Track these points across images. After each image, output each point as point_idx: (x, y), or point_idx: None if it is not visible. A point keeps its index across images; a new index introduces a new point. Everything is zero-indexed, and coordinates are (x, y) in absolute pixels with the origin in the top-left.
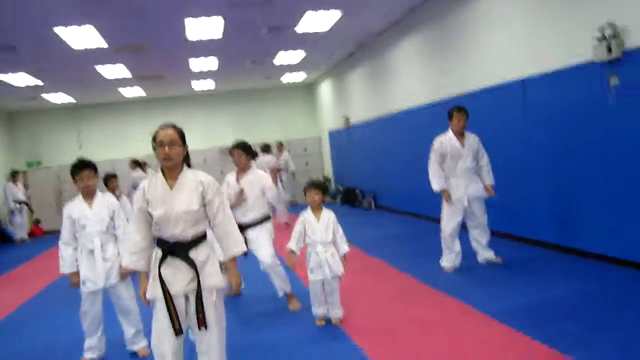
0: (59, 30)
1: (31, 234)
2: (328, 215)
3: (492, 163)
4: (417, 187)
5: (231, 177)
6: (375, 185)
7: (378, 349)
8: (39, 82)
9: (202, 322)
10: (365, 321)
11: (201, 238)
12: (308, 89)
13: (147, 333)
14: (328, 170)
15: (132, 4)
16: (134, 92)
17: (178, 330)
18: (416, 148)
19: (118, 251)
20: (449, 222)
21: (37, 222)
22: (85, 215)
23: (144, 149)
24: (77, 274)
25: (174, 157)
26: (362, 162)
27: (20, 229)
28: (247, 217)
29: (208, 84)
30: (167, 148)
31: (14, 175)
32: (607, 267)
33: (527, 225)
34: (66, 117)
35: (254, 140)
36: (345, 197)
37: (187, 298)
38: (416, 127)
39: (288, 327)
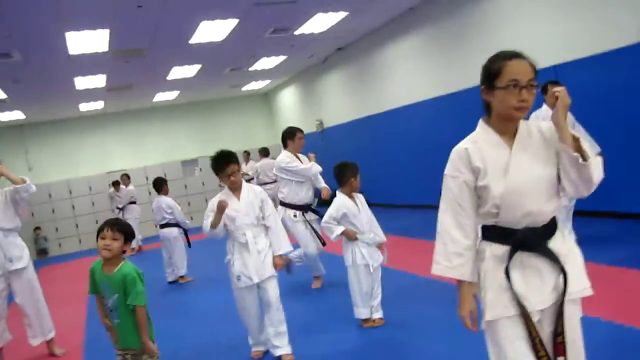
0: (70, 35)
1: None
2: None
3: None
4: (420, 178)
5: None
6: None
7: None
8: (2, 96)
9: (561, 350)
10: None
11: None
12: (265, 98)
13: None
14: None
15: (153, 3)
16: (93, 106)
17: None
18: (418, 141)
19: (270, 242)
20: None
21: None
22: (235, 209)
23: (98, 168)
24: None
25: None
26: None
27: None
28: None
29: (170, 95)
30: (525, 93)
31: None
32: None
33: None
34: (12, 137)
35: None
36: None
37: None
38: (418, 121)
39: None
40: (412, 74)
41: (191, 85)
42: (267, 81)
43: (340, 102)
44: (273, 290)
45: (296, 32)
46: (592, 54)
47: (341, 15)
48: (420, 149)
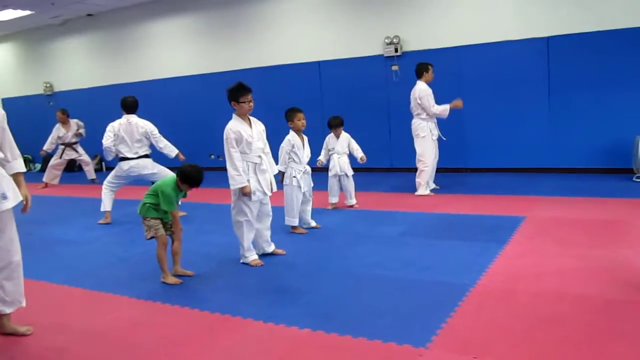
0: None
1: None
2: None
3: None
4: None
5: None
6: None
7: None
8: None
9: None
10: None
11: None
12: None
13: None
14: None
15: None
16: None
17: None
18: (173, 112)
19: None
20: (432, 156)
21: None
22: (250, 135)
23: None
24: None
25: None
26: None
27: None
28: None
29: None
30: None
31: None
32: None
33: None
34: None
35: None
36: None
37: None
38: (176, 94)
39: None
40: (176, 50)
41: None
42: None
43: (79, 68)
44: (270, 204)
45: None
46: (345, 57)
47: None
48: (176, 119)
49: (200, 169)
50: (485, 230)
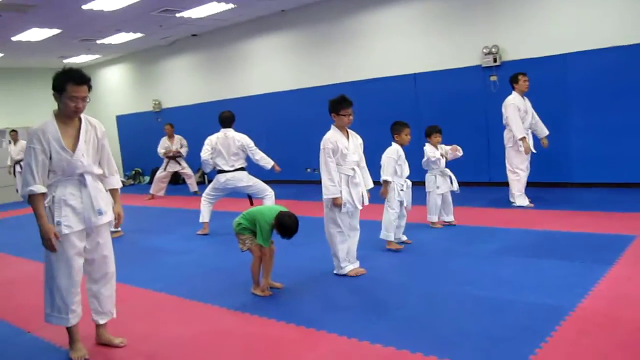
0: None
1: None
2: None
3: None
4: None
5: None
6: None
7: None
8: None
9: None
10: None
11: None
12: None
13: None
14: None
15: None
16: None
17: None
18: (275, 126)
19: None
20: (523, 168)
21: None
22: (346, 147)
23: None
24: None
25: None
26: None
27: None
28: None
29: None
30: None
31: None
32: None
33: None
34: None
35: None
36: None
37: None
38: (276, 108)
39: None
40: (273, 67)
41: (28, 49)
42: (97, 55)
43: (184, 85)
44: (358, 218)
45: (178, 15)
46: (441, 68)
47: (228, 6)
48: (273, 133)
49: (296, 222)
50: (589, 250)
